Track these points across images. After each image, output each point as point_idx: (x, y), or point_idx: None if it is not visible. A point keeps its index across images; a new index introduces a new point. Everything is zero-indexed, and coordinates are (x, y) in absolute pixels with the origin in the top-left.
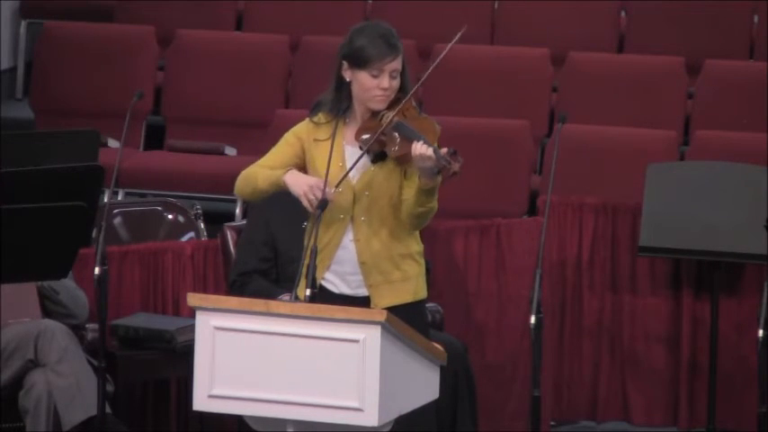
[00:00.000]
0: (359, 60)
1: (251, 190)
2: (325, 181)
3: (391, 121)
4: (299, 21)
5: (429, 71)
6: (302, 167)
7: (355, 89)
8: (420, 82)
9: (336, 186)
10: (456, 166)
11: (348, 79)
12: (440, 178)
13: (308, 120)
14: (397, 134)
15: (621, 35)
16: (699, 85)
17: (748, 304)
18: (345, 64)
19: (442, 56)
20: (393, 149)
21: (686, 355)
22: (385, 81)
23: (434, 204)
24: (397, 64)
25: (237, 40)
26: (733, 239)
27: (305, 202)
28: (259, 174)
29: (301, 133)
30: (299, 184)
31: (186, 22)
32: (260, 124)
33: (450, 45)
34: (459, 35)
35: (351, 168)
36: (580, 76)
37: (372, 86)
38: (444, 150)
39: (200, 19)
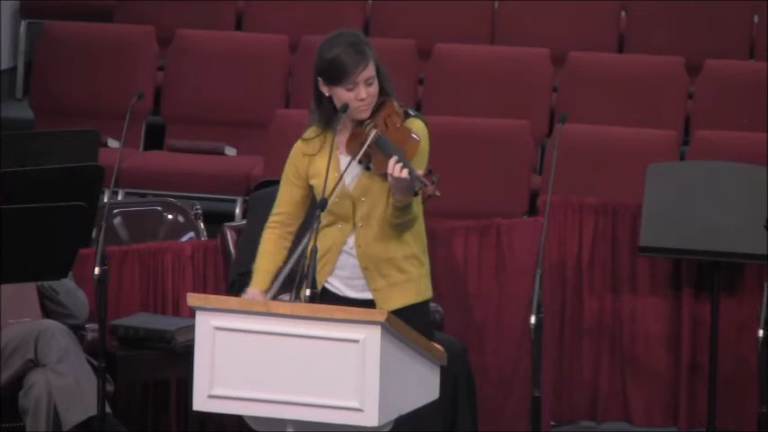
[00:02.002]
0: (331, 77)
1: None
2: (324, 188)
3: (373, 137)
4: (299, 21)
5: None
6: (310, 188)
7: (336, 102)
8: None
9: (331, 195)
10: (431, 189)
11: (327, 94)
12: (414, 197)
13: (299, 140)
14: (378, 150)
15: (621, 35)
16: (699, 85)
17: (748, 304)
18: (321, 80)
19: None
20: (374, 167)
21: (686, 355)
22: (362, 92)
23: (412, 216)
24: (369, 71)
25: (237, 40)
26: (733, 239)
27: None
28: (258, 260)
29: (296, 159)
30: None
31: (186, 22)
32: (260, 124)
33: None
34: None
35: (341, 177)
36: (580, 76)
37: (350, 99)
38: (420, 172)
39: (201, 19)
